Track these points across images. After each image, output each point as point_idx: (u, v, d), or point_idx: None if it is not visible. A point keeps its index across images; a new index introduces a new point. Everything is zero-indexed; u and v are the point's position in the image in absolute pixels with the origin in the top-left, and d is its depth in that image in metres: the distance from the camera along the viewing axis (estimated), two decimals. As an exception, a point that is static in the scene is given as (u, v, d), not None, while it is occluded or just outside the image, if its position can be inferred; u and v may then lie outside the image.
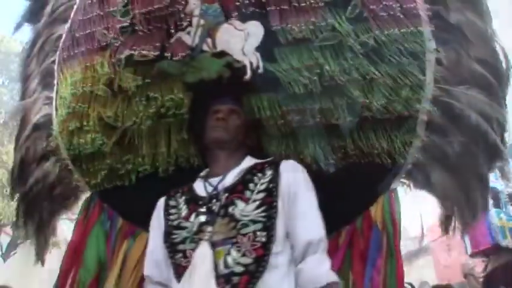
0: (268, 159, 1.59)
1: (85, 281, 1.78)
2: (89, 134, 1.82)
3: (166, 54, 1.76)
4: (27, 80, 2.07)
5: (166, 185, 1.76)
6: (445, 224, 1.76)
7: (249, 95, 1.75)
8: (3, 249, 12.02)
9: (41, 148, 1.94)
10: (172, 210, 1.54)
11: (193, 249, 1.38)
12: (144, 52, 1.77)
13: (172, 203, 1.57)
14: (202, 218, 1.43)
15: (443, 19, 1.68)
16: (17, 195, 2.00)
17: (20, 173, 1.97)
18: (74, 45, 1.92)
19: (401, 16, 1.65)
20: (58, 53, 1.96)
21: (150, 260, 1.56)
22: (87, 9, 1.92)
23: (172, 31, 1.77)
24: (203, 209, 1.45)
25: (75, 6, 1.98)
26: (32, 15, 2.13)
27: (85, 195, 1.95)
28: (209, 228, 1.39)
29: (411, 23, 1.64)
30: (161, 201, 1.62)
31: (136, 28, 1.79)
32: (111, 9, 1.85)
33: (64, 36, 1.97)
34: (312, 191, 1.49)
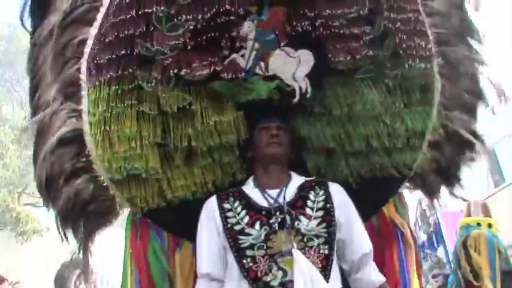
0: (312, 178, 1.84)
1: None
2: (138, 158, 1.79)
3: (220, 75, 1.81)
4: (41, 87, 1.88)
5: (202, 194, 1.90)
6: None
7: (295, 115, 1.93)
8: None
9: (69, 165, 1.83)
10: (230, 214, 1.69)
11: (262, 256, 1.58)
12: (197, 72, 1.78)
13: (227, 206, 1.71)
14: (269, 229, 1.62)
15: (446, 57, 2.04)
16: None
17: (47, 189, 1.84)
18: (106, 52, 1.77)
19: (420, 53, 1.97)
20: (85, 61, 1.80)
21: (208, 258, 1.69)
22: (119, 11, 1.76)
23: (226, 52, 1.81)
24: (270, 220, 1.64)
25: (102, 9, 1.82)
26: (38, 9, 1.88)
27: (124, 210, 1.92)
28: (278, 239, 1.60)
29: (427, 57, 1.97)
30: (213, 203, 1.74)
31: (186, 46, 1.77)
32: (152, 15, 1.77)
33: (91, 42, 1.81)
34: (355, 210, 1.80)
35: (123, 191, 1.85)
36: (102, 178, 1.84)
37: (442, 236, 5.25)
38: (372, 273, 1.76)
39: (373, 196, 2.05)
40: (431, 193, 2.21)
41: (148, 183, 1.86)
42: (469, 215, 4.08)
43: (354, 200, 1.84)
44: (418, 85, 1.97)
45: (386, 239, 2.04)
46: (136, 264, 1.87)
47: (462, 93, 2.10)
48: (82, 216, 1.87)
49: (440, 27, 2.03)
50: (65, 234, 1.88)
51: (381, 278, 1.77)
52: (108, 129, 1.78)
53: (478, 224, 3.91)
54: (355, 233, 1.76)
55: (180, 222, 1.91)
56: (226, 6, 1.77)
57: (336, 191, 1.79)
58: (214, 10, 1.77)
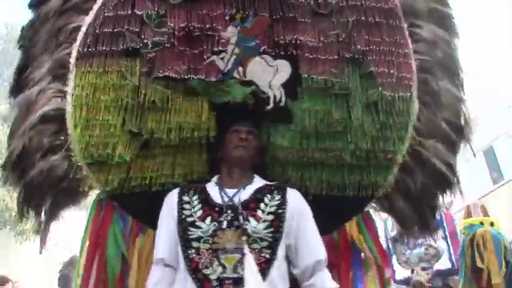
0: (274, 182, 1.88)
1: (112, 278, 1.90)
2: (111, 143, 1.88)
3: (198, 74, 1.90)
4: (32, 63, 1.98)
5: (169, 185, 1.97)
6: (401, 236, 2.27)
7: (268, 122, 1.99)
8: None
9: (48, 141, 1.92)
10: (186, 206, 1.75)
11: (206, 250, 1.64)
12: (176, 70, 1.87)
13: (185, 198, 1.78)
14: (218, 225, 1.67)
15: (428, 85, 2.09)
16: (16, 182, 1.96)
17: (20, 161, 1.93)
18: (97, 42, 1.90)
19: (398, 78, 2.02)
20: (76, 47, 1.92)
21: (164, 244, 1.75)
22: (115, 6, 1.90)
23: (207, 53, 1.90)
24: (220, 217, 1.69)
25: (98, 0, 1.94)
26: None
27: (93, 192, 2.01)
28: (224, 236, 1.65)
29: (406, 87, 2.02)
30: (174, 194, 1.81)
31: (170, 44, 1.88)
32: (143, 12, 1.89)
33: (84, 29, 1.93)
34: (312, 218, 1.83)
35: (95, 172, 1.94)
36: (76, 158, 1.93)
37: (444, 231, 5.14)
38: (325, 280, 1.76)
39: (337, 211, 2.07)
40: (399, 219, 2.21)
41: (118, 168, 1.94)
42: (469, 216, 4.11)
43: (317, 212, 1.87)
44: (393, 108, 2.01)
45: (344, 256, 2.06)
46: (94, 242, 1.94)
47: (440, 123, 2.12)
48: (52, 191, 1.96)
49: (425, 55, 2.07)
50: (25, 209, 1.97)
51: (334, 286, 1.77)
52: (88, 113, 1.89)
53: (481, 223, 3.94)
54: (308, 240, 1.77)
55: (146, 210, 1.98)
56: (213, 10, 1.87)
57: (293, 197, 1.82)
58: (202, 13, 1.88)
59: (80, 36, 1.93)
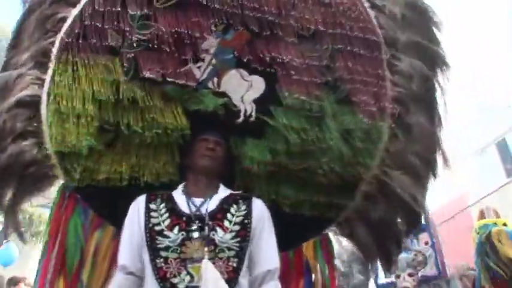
0: (239, 192, 1.90)
1: (71, 266, 1.93)
2: (82, 134, 1.90)
3: (174, 80, 1.93)
4: (17, 48, 2.03)
5: (136, 185, 2.00)
6: (364, 266, 2.30)
7: (236, 135, 2.02)
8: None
9: (21, 125, 1.95)
10: (154, 214, 1.76)
11: (174, 259, 1.65)
12: (154, 72, 1.91)
13: (152, 206, 1.79)
14: (186, 235, 1.69)
15: (402, 118, 2.11)
16: None
17: None
18: (81, 35, 1.93)
19: (372, 107, 2.04)
20: (60, 37, 1.96)
21: (127, 251, 1.76)
22: (102, 2, 1.93)
23: (185, 60, 1.94)
24: (187, 226, 1.71)
25: None
26: None
27: (59, 182, 2.04)
28: (192, 246, 1.67)
29: (378, 117, 2.04)
30: (141, 201, 1.82)
31: (150, 47, 1.91)
32: (129, 12, 1.92)
33: (70, 21, 1.95)
34: (272, 228, 1.85)
35: (62, 161, 1.97)
36: (46, 145, 1.97)
37: (431, 237, 5.15)
38: None
39: (297, 230, 2.10)
40: (359, 246, 2.24)
41: (86, 160, 1.97)
42: (483, 218, 4.20)
43: (277, 227, 1.89)
44: (363, 136, 2.03)
45: (296, 275, 2.09)
46: (54, 232, 1.97)
47: (409, 155, 2.14)
48: (18, 176, 1.98)
49: (400, 87, 2.10)
50: None
51: None
52: (62, 102, 1.91)
53: (495, 224, 4.00)
54: (263, 249, 1.78)
55: (108, 206, 2.01)
56: (195, 20, 1.91)
57: (258, 207, 1.85)
58: (185, 20, 1.92)
59: (65, 27, 1.97)
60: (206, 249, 1.66)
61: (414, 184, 2.13)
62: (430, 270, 5.05)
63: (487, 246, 3.84)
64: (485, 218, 4.21)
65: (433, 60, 2.17)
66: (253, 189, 2.06)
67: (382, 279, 4.94)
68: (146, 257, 1.71)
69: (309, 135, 1.99)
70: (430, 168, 2.18)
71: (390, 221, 2.17)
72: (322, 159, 2.01)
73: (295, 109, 1.99)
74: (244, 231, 1.74)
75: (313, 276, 2.09)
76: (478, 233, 4.05)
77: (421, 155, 2.16)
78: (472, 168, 12.09)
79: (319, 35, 2.00)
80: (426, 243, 5.06)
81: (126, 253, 1.77)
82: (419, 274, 4.88)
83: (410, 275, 4.70)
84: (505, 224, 4.04)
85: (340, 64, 1.99)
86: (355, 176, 2.07)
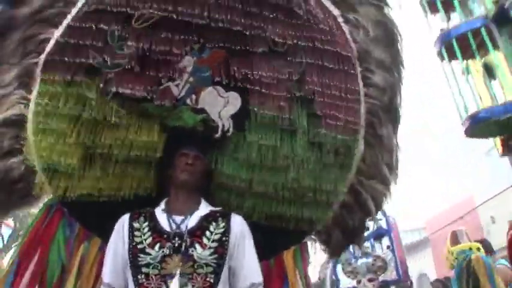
0: (219, 208, 1.96)
1: (50, 283, 1.99)
2: (64, 152, 1.99)
3: (153, 97, 2.00)
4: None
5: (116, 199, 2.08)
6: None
7: (213, 150, 2.09)
8: (5, 241, 10.88)
9: (8, 144, 2.03)
10: (137, 233, 1.84)
11: (155, 275, 1.73)
12: (133, 92, 1.98)
13: (136, 225, 1.86)
14: (166, 252, 1.76)
15: (374, 128, 2.19)
16: None
17: None
18: (63, 55, 1.99)
19: (345, 124, 2.11)
20: (43, 58, 2.03)
21: (111, 269, 1.84)
22: (83, 23, 2.00)
23: (163, 79, 2.01)
24: (168, 244, 1.78)
25: (69, 16, 2.04)
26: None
27: (46, 196, 2.12)
28: (172, 262, 1.75)
29: (352, 130, 2.11)
30: (125, 220, 1.89)
31: (130, 66, 1.98)
32: (108, 33, 1.99)
33: (52, 42, 2.02)
34: (252, 243, 1.92)
35: (48, 177, 2.04)
36: (32, 162, 2.05)
37: (392, 242, 5.27)
38: None
39: (276, 240, 2.17)
40: (334, 250, 2.33)
41: (70, 176, 2.05)
42: (456, 241, 4.38)
43: (257, 237, 1.96)
44: (339, 148, 2.11)
45: (276, 283, 2.16)
46: (32, 244, 2.02)
47: (382, 164, 2.22)
48: (6, 191, 2.06)
49: (374, 99, 2.18)
50: None
51: None
52: (46, 120, 2.00)
53: (470, 249, 4.23)
54: (246, 263, 1.85)
55: (94, 218, 2.09)
56: (173, 39, 1.98)
57: (236, 224, 1.91)
58: (162, 39, 1.98)
59: (48, 47, 2.04)
60: (185, 264, 1.74)
61: (384, 192, 2.26)
62: (390, 274, 5.13)
63: (467, 273, 4.07)
64: (458, 240, 4.40)
65: (398, 75, 2.28)
66: (230, 203, 2.12)
67: (344, 284, 5.02)
68: (129, 274, 1.78)
69: (281, 151, 2.06)
70: (393, 176, 2.29)
71: (362, 226, 2.27)
72: (295, 174, 2.08)
73: (267, 124, 2.06)
74: (221, 249, 1.81)
75: (290, 283, 2.16)
76: (456, 258, 4.27)
77: (388, 163, 2.26)
78: (479, 169, 12.07)
79: (292, 49, 2.06)
80: (388, 247, 5.17)
81: (111, 271, 1.84)
82: (380, 279, 4.95)
83: (370, 280, 4.80)
84: (478, 249, 4.27)
85: (311, 78, 2.05)
86: (330, 190, 2.14)
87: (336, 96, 2.08)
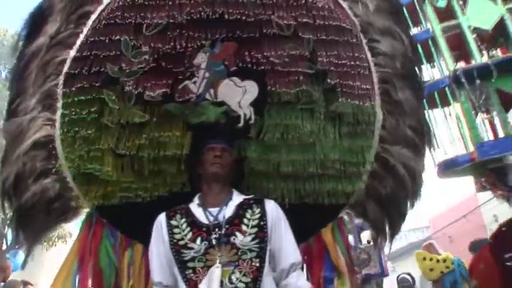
0: (251, 196, 2.00)
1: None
2: (97, 161, 2.05)
3: (174, 98, 2.07)
4: (23, 95, 2.17)
5: (156, 202, 2.13)
6: (375, 241, 2.40)
7: (240, 138, 2.15)
8: (9, 243, 11.03)
9: (40, 165, 2.10)
10: (176, 230, 1.88)
11: (202, 268, 1.78)
12: (153, 94, 2.05)
13: (174, 223, 1.90)
14: (208, 244, 1.81)
15: (389, 95, 2.23)
16: (10, 205, 2.14)
17: (14, 185, 2.10)
18: (81, 73, 2.08)
19: (360, 91, 2.16)
20: (62, 78, 2.10)
21: (158, 268, 1.88)
22: (96, 39, 2.08)
23: (180, 78, 2.07)
24: (209, 236, 1.83)
25: (81, 35, 2.13)
26: (29, 32, 2.21)
27: (83, 210, 2.18)
28: (215, 252, 1.79)
29: (368, 97, 2.16)
30: (162, 219, 1.93)
31: (146, 71, 2.05)
32: (122, 44, 2.06)
33: (69, 62, 2.10)
34: (288, 225, 1.96)
35: (83, 190, 2.12)
36: (67, 179, 2.11)
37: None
38: (299, 280, 1.90)
39: (313, 218, 2.21)
40: (373, 223, 2.34)
41: (105, 184, 2.11)
42: (434, 253, 4.57)
43: (294, 220, 2.00)
44: (358, 119, 2.15)
45: (317, 260, 2.19)
46: (85, 257, 2.09)
47: (405, 129, 2.26)
48: (44, 212, 2.13)
49: (385, 67, 2.22)
50: (17, 232, 2.14)
51: (307, 285, 1.92)
52: (73, 132, 2.07)
53: (444, 260, 4.36)
54: (284, 245, 1.90)
55: (133, 225, 2.15)
56: (184, 40, 2.05)
57: (271, 209, 1.95)
58: (173, 42, 2.06)
59: (65, 68, 2.12)
60: (229, 252, 1.78)
61: (413, 155, 2.26)
62: (373, 268, 5.09)
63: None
64: (437, 251, 4.61)
65: (406, 40, 2.30)
66: (262, 188, 2.17)
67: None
68: (176, 271, 1.83)
69: (304, 128, 2.11)
70: (423, 137, 2.31)
71: (397, 195, 2.28)
72: (321, 149, 2.12)
73: (286, 104, 2.11)
74: (262, 233, 1.86)
75: (333, 259, 2.18)
76: (451, 263, 4.43)
77: (413, 127, 2.28)
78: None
79: (297, 30, 2.12)
80: (368, 242, 5.14)
81: (159, 271, 1.88)
82: (363, 272, 4.92)
83: None
84: (444, 260, 4.42)
85: (320, 53, 2.10)
86: (357, 160, 2.18)
87: (346, 65, 2.12)
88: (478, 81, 5.80)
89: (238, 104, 2.11)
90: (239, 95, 2.11)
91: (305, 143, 2.13)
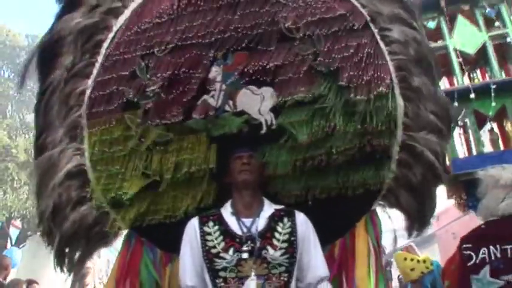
0: (281, 206, 2.02)
1: None
2: (127, 186, 2.12)
3: (194, 114, 2.11)
4: (48, 129, 2.24)
5: (191, 217, 2.17)
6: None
7: (263, 144, 2.16)
8: (13, 242, 11.48)
9: (75, 194, 2.17)
10: (208, 237, 1.90)
11: (233, 278, 1.81)
12: (174, 113, 2.08)
13: (206, 229, 1.93)
14: (241, 255, 1.84)
15: (407, 82, 2.20)
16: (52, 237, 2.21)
17: (53, 216, 2.18)
18: (102, 100, 2.15)
19: (374, 80, 2.13)
20: (85, 107, 2.18)
21: (192, 272, 1.89)
22: (111, 67, 2.15)
23: (198, 94, 2.11)
24: (242, 247, 1.85)
25: (97, 64, 2.19)
26: (44, 65, 2.26)
27: (123, 232, 2.25)
28: (247, 264, 1.82)
29: (384, 85, 2.13)
30: (195, 224, 1.95)
31: (164, 91, 2.09)
32: (136, 69, 2.12)
33: (89, 92, 2.17)
34: (317, 238, 1.98)
35: (119, 213, 2.18)
36: (103, 205, 2.18)
37: None
38: None
39: (347, 213, 2.20)
40: (406, 212, 2.32)
41: (137, 206, 2.17)
42: (409, 252, 4.72)
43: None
44: (379, 109, 2.12)
45: (351, 254, 2.17)
46: (125, 274, 2.14)
47: (427, 114, 2.23)
48: (85, 238, 2.20)
49: (399, 54, 2.20)
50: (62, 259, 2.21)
51: None
52: (103, 164, 2.15)
53: (424, 261, 4.51)
54: (313, 258, 1.94)
55: (171, 240, 2.18)
56: (196, 54, 2.08)
57: (300, 222, 1.96)
58: (186, 59, 2.09)
59: (86, 98, 2.18)
60: (259, 266, 1.81)
61: (438, 140, 2.24)
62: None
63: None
64: (416, 253, 4.74)
65: (416, 26, 2.28)
66: (288, 191, 2.17)
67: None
68: (207, 278, 1.86)
69: (314, 125, 2.10)
70: (446, 120, 2.29)
71: (428, 181, 2.26)
72: (341, 140, 2.11)
73: (301, 105, 2.10)
74: (291, 248, 1.88)
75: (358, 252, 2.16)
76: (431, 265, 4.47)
77: (434, 112, 2.26)
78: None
79: (304, 29, 2.12)
80: None
81: (192, 275, 1.90)
82: None
83: None
84: (424, 261, 4.55)
85: (329, 48, 2.09)
86: (384, 148, 2.17)
87: (356, 56, 2.10)
88: (456, 104, 6.24)
89: (259, 111, 2.12)
90: (258, 103, 2.12)
91: (325, 137, 2.10)
